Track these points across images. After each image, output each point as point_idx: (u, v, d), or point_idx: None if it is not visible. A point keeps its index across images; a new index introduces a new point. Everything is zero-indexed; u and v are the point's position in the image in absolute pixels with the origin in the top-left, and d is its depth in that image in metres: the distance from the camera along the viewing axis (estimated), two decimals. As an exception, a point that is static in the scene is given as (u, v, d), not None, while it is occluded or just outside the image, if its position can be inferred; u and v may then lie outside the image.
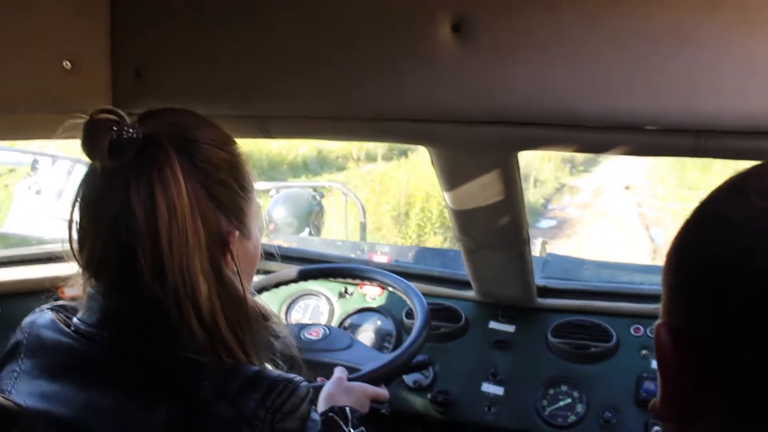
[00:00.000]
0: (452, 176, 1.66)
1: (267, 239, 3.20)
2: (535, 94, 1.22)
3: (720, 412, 0.57)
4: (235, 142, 1.14)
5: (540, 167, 13.68)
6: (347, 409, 1.42)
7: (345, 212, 4.30)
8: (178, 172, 1.00)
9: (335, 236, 4.83)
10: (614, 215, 11.88)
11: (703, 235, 0.61)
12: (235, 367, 1.04)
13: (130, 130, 1.00)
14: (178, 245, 0.99)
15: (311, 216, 3.66)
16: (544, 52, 1.20)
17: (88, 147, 1.00)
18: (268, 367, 1.22)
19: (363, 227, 4.15)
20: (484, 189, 1.66)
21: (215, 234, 1.06)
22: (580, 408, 2.11)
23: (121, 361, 1.05)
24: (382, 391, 1.65)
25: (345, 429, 1.37)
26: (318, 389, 1.54)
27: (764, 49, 1.08)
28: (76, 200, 1.07)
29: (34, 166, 3.14)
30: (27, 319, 1.17)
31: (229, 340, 1.05)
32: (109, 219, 1.02)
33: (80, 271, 1.11)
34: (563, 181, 14.52)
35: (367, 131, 1.51)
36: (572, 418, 2.10)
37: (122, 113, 1.02)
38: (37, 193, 3.06)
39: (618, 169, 15.80)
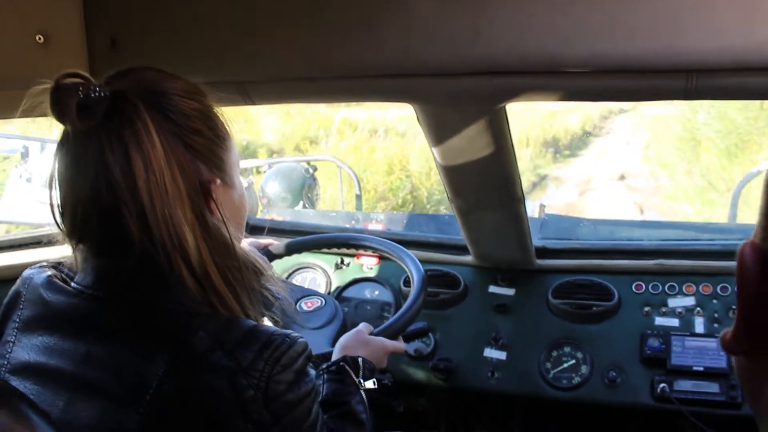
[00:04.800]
0: (439, 134, 1.62)
1: (261, 214, 3.18)
2: (515, 42, 1.20)
3: None
4: (204, 94, 1.14)
5: (516, 155, 11.59)
6: (360, 359, 1.45)
7: (340, 184, 4.29)
8: (150, 125, 1.01)
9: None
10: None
11: None
12: (231, 320, 1.06)
13: (97, 89, 1.00)
14: (159, 197, 1.00)
15: (304, 189, 3.63)
16: None
17: (57, 111, 1.00)
18: (266, 322, 1.22)
19: (358, 198, 4.15)
20: (473, 146, 1.62)
21: (195, 183, 1.07)
22: (584, 369, 2.09)
23: (118, 314, 1.07)
24: (401, 345, 1.69)
25: (355, 379, 1.40)
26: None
27: None
28: (54, 169, 1.08)
29: (24, 154, 3.13)
30: (27, 272, 1.19)
31: (222, 289, 1.06)
32: (87, 181, 1.03)
33: (65, 238, 1.12)
34: (543, 171, 12.34)
35: (349, 90, 1.47)
36: (577, 380, 2.08)
37: (87, 75, 1.02)
38: (28, 180, 3.05)
39: (610, 151, 13.45)
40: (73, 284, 1.12)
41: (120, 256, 1.06)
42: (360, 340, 1.58)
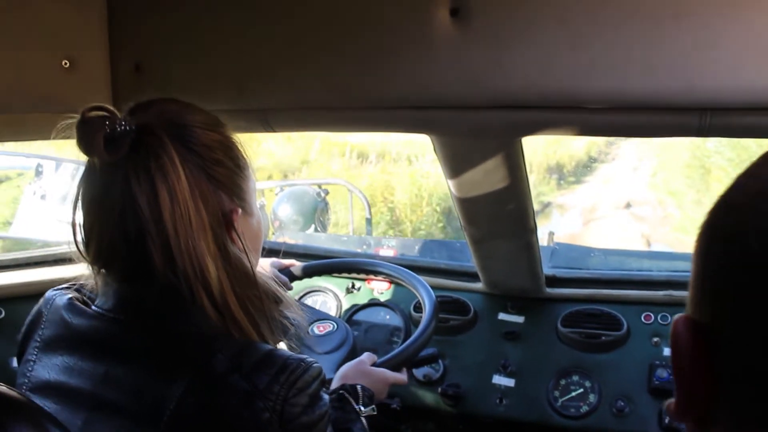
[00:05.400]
0: (456, 164, 1.64)
1: (272, 237, 3.19)
2: (535, 77, 1.21)
3: (732, 419, 0.52)
4: (223, 125, 1.17)
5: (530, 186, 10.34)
6: (358, 387, 1.45)
7: (351, 208, 4.30)
8: (175, 158, 1.03)
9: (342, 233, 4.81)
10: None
11: (737, 215, 0.53)
12: (248, 344, 1.07)
13: (123, 123, 1.02)
14: (183, 228, 1.02)
15: (316, 213, 3.65)
16: (542, 34, 1.19)
17: (84, 145, 1.02)
18: (282, 347, 1.23)
19: (368, 222, 4.17)
20: (489, 177, 1.64)
21: (217, 213, 1.09)
22: (592, 398, 2.09)
23: (138, 337, 1.09)
24: (402, 377, 1.68)
25: (355, 406, 1.40)
26: None
27: (765, 23, 1.06)
28: (77, 198, 1.10)
29: (38, 170, 3.15)
30: (49, 293, 1.22)
31: (240, 318, 1.08)
32: (114, 212, 1.05)
33: (89, 265, 1.14)
34: (547, 198, 11.70)
35: (368, 121, 1.50)
36: (585, 408, 2.08)
37: (113, 109, 1.04)
38: (42, 197, 3.07)
39: (616, 178, 12.89)
40: (93, 307, 1.14)
41: (142, 284, 1.08)
42: (361, 371, 1.58)
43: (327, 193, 3.79)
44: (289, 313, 1.24)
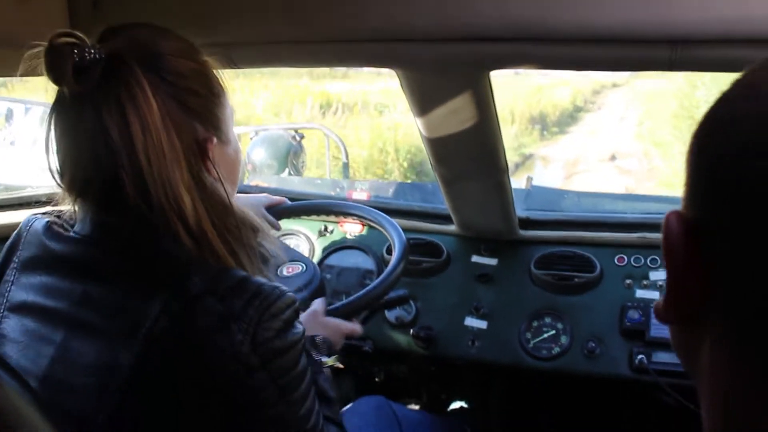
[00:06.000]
0: (423, 101, 1.61)
1: (246, 180, 3.16)
2: (502, 8, 1.19)
3: (724, 315, 0.52)
4: (198, 51, 1.14)
5: (500, 125, 9.76)
6: (317, 338, 1.44)
7: (327, 152, 4.28)
8: (146, 88, 1.01)
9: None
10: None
11: (735, 108, 0.52)
12: (223, 269, 1.08)
13: (92, 51, 1.00)
14: (156, 159, 1.01)
15: (290, 156, 3.62)
16: None
17: (53, 73, 1.00)
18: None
19: (345, 167, 4.15)
20: (457, 113, 1.62)
21: (191, 143, 1.09)
22: (564, 339, 2.09)
23: (115, 259, 1.09)
24: (356, 327, 1.66)
25: (316, 357, 1.38)
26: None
27: None
28: (48, 128, 1.08)
29: (7, 116, 3.10)
30: (28, 217, 1.21)
31: (218, 247, 1.08)
32: (86, 143, 1.04)
33: (64, 193, 1.13)
34: (529, 149, 11.35)
35: (332, 55, 1.47)
36: (556, 350, 2.09)
37: (81, 35, 1.01)
38: (12, 144, 3.03)
39: (601, 128, 12.66)
40: (72, 233, 1.13)
41: (117, 213, 1.07)
42: (317, 322, 1.56)
43: (302, 137, 3.75)
44: (266, 244, 1.25)
